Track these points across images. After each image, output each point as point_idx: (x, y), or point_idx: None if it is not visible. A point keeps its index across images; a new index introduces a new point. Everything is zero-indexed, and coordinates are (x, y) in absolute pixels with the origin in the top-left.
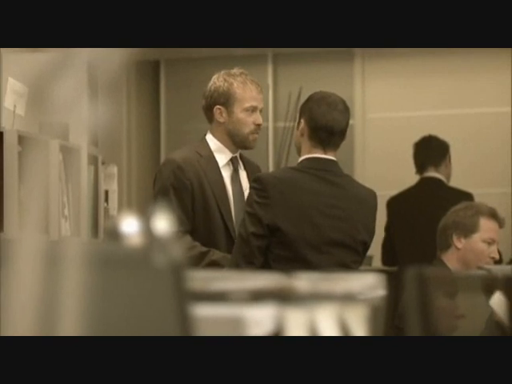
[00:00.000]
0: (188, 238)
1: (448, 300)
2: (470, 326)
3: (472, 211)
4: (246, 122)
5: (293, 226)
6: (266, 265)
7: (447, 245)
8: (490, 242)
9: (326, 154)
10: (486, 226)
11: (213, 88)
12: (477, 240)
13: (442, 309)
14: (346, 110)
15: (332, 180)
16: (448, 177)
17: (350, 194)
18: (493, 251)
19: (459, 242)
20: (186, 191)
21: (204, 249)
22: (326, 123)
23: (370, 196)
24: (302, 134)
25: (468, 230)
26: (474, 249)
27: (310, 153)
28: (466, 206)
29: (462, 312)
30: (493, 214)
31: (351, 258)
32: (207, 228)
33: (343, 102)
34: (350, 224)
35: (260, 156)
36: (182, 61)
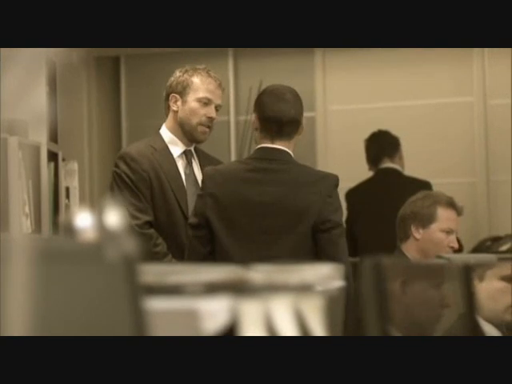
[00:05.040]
0: (154, 234)
1: (433, 290)
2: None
3: (429, 201)
4: (198, 112)
5: (220, 216)
6: (215, 254)
7: (406, 235)
8: (449, 232)
9: (273, 143)
10: (444, 215)
11: (173, 78)
12: (435, 230)
13: (428, 298)
14: (295, 101)
15: (270, 168)
16: (402, 169)
17: (290, 179)
18: (451, 240)
19: (417, 233)
20: (144, 182)
21: (165, 249)
22: (274, 114)
23: (319, 180)
24: (255, 128)
25: (426, 220)
26: (432, 239)
27: (260, 144)
28: (424, 195)
29: (447, 301)
30: (450, 203)
31: (297, 244)
32: (168, 220)
33: (292, 92)
34: (289, 210)
35: (222, 149)
36: (142, 56)
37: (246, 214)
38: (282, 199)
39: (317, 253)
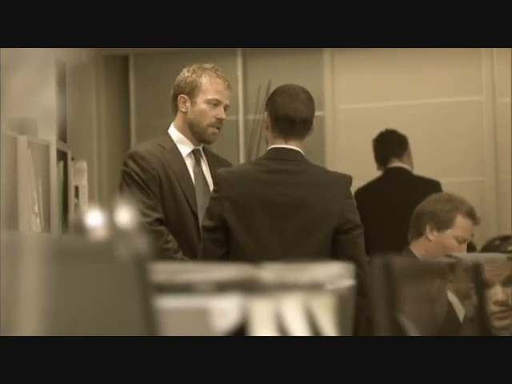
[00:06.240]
0: (164, 230)
1: (443, 286)
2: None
3: (451, 206)
4: (207, 114)
5: (239, 218)
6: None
7: (419, 233)
8: (461, 241)
9: (287, 143)
10: (461, 223)
11: (181, 78)
12: (449, 236)
13: (438, 295)
14: (308, 100)
15: (285, 169)
16: (411, 168)
17: (307, 180)
18: (462, 249)
19: (431, 234)
20: (154, 180)
21: (176, 246)
22: (287, 113)
23: (335, 181)
24: (266, 127)
25: (443, 224)
26: (444, 244)
27: (272, 144)
28: (447, 198)
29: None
30: (470, 213)
31: (318, 245)
32: (178, 218)
33: (306, 92)
34: (309, 211)
35: (230, 148)
36: (151, 55)
37: (265, 215)
38: (300, 200)
39: (336, 253)
